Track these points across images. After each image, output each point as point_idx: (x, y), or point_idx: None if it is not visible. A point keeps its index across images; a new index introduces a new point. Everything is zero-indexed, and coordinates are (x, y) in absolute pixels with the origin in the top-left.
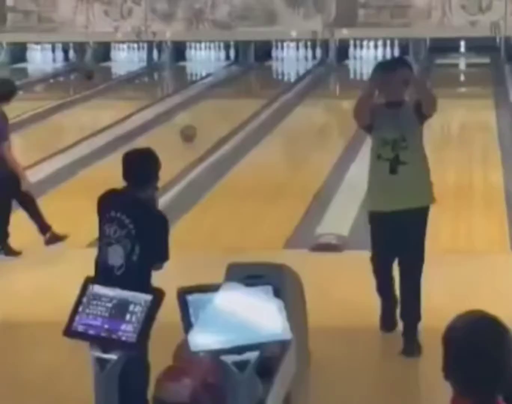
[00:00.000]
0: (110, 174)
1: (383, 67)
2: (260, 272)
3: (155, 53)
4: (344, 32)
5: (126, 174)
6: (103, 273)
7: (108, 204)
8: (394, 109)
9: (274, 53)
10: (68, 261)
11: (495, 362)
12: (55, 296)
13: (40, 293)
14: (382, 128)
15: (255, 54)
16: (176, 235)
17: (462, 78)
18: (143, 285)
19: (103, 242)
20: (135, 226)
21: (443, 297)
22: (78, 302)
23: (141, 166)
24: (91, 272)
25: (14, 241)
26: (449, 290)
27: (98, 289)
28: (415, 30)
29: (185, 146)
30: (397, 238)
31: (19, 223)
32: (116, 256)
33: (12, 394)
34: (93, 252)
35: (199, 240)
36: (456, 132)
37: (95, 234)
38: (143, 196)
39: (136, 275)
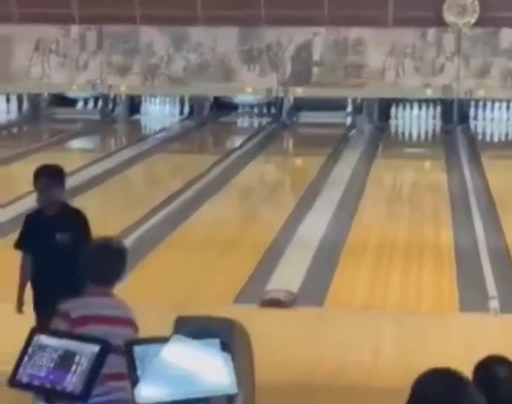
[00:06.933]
0: None
1: None
2: (209, 325)
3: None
4: (299, 91)
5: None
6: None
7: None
8: None
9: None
10: None
11: None
12: None
13: None
14: None
15: (210, 109)
16: (127, 285)
17: (414, 138)
18: None
19: None
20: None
21: (393, 355)
22: (23, 353)
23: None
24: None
25: None
26: (398, 348)
27: (43, 339)
28: (369, 90)
29: (135, 199)
30: None
31: None
32: None
33: None
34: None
35: (148, 291)
36: (407, 191)
37: None
38: None
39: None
